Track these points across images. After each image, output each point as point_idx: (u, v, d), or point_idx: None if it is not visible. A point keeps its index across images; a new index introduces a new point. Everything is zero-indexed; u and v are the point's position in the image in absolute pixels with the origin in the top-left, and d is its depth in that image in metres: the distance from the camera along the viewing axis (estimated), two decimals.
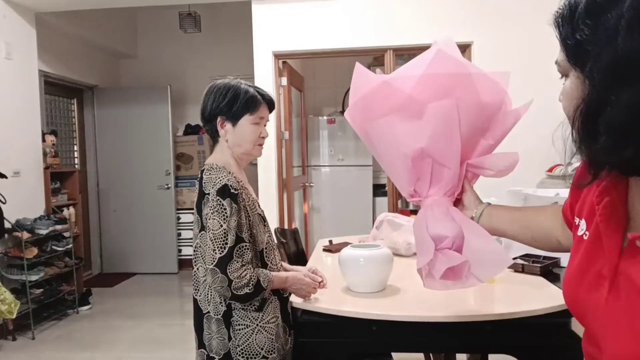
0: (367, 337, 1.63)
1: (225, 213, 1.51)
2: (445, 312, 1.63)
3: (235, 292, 1.50)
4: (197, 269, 1.63)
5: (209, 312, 1.60)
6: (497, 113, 1.23)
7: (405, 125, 1.19)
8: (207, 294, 1.60)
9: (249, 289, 1.51)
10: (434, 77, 1.16)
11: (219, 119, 1.63)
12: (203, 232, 1.56)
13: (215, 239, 1.50)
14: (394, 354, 1.84)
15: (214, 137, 1.68)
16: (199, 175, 1.62)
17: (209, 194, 1.53)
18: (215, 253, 1.50)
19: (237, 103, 1.62)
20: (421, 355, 2.73)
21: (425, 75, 1.16)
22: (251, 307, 1.58)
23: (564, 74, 0.72)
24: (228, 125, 1.64)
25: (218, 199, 1.51)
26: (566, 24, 0.67)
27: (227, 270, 1.49)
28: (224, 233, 1.50)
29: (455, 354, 2.55)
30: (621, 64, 0.59)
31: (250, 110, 1.63)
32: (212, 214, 1.51)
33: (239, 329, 1.57)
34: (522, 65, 3.72)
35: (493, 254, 1.17)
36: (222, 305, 1.58)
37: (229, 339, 1.57)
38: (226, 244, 1.50)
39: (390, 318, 1.59)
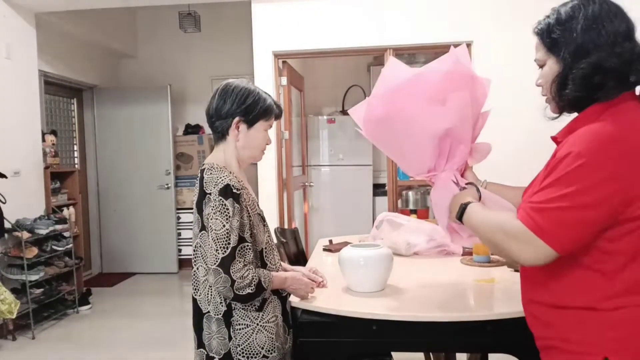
0: (367, 337, 1.63)
1: (228, 213, 1.51)
2: (445, 312, 1.64)
3: (237, 292, 1.50)
4: (197, 268, 1.62)
5: (209, 312, 1.59)
6: (481, 110, 1.60)
7: (432, 110, 1.50)
8: (207, 294, 1.59)
9: (251, 289, 1.52)
10: (453, 74, 1.51)
11: (236, 119, 1.63)
12: (203, 231, 1.56)
13: (217, 239, 1.50)
14: (394, 354, 1.84)
15: (223, 135, 1.66)
16: (199, 175, 1.61)
17: (210, 193, 1.53)
18: (218, 253, 1.49)
19: (257, 109, 1.64)
20: (421, 355, 2.73)
21: (448, 72, 1.50)
22: (251, 307, 1.58)
23: (541, 65, 1.25)
24: (243, 127, 1.64)
25: (220, 199, 1.51)
26: (544, 31, 1.22)
27: (230, 271, 1.49)
28: (227, 233, 1.50)
29: (455, 354, 2.56)
30: (580, 49, 1.15)
31: (266, 117, 1.67)
32: (214, 213, 1.51)
33: (239, 329, 1.57)
34: (522, 64, 3.71)
35: (505, 209, 1.41)
36: (222, 305, 1.58)
37: (229, 338, 1.57)
38: (229, 244, 1.50)
39: (390, 318, 1.59)
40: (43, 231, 4.19)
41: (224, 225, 1.50)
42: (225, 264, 1.49)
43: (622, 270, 1.11)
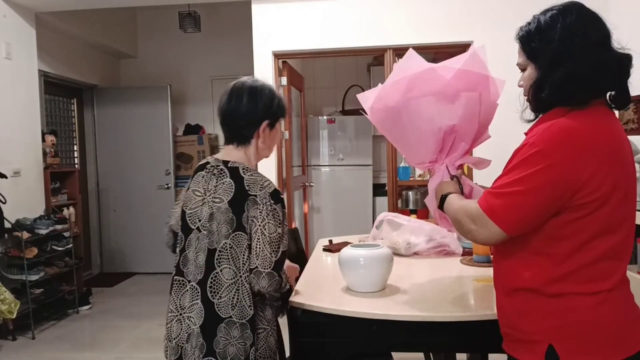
0: (367, 337, 1.63)
1: (279, 217, 1.54)
2: (445, 312, 1.64)
3: (281, 291, 1.57)
4: (221, 270, 1.54)
5: (230, 316, 1.52)
6: (494, 110, 1.63)
7: (441, 106, 1.54)
8: (233, 298, 1.52)
9: (288, 286, 1.60)
10: (466, 73, 1.53)
11: (267, 122, 1.61)
12: (238, 232, 1.52)
13: (271, 242, 1.51)
14: (394, 354, 1.84)
15: (247, 139, 1.62)
16: (227, 172, 1.57)
17: (256, 195, 1.52)
18: (272, 256, 1.50)
19: (280, 110, 1.64)
20: (421, 355, 2.73)
21: (461, 70, 1.53)
22: (268, 310, 1.59)
23: (523, 69, 1.32)
24: (267, 129, 1.63)
25: (272, 203, 1.53)
26: (525, 38, 1.29)
27: (281, 272, 1.54)
28: (279, 237, 1.52)
29: (455, 353, 2.56)
30: (555, 58, 1.21)
31: (284, 116, 1.67)
32: (266, 216, 1.51)
33: (259, 332, 1.55)
34: None
35: None
36: (250, 309, 1.53)
37: (252, 343, 1.52)
38: (279, 247, 1.53)
39: (390, 318, 1.60)
40: (43, 231, 4.18)
41: (276, 229, 1.52)
42: (278, 267, 1.52)
43: (569, 256, 1.19)
